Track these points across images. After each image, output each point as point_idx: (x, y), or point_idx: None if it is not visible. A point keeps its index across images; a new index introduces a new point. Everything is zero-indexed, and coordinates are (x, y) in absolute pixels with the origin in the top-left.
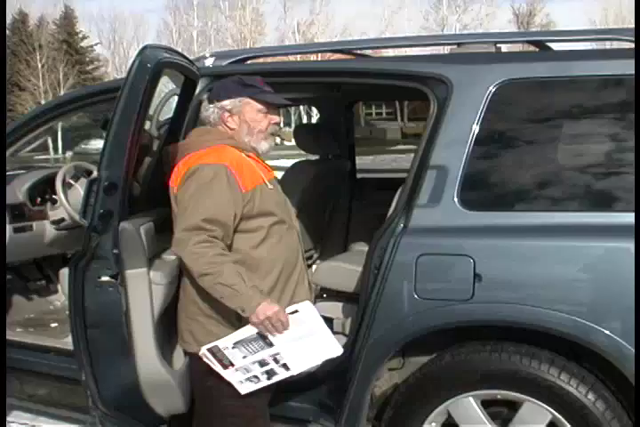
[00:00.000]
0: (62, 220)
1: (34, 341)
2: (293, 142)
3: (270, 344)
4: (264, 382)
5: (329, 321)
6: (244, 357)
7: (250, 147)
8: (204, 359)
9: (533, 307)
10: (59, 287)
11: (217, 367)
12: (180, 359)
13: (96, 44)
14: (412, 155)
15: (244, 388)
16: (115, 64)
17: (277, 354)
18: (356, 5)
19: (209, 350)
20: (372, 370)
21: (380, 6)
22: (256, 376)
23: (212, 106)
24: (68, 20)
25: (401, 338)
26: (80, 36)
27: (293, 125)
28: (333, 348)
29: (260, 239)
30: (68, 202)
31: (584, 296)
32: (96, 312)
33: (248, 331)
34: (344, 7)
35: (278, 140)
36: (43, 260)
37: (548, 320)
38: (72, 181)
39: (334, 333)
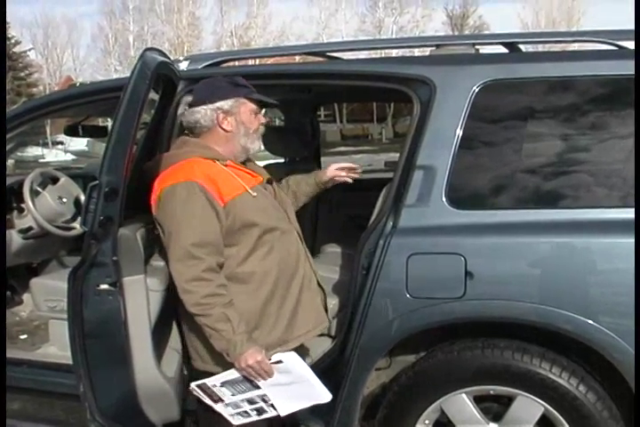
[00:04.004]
0: (30, 228)
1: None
2: None
3: (257, 387)
4: (254, 418)
5: None
6: (233, 395)
7: (231, 153)
8: (194, 393)
9: (524, 303)
10: (24, 298)
11: (207, 400)
12: (172, 367)
13: (30, 50)
14: (354, 156)
15: (237, 420)
16: (49, 70)
17: (265, 395)
18: (292, 8)
19: (198, 386)
20: (364, 370)
21: (316, 9)
22: (246, 412)
23: (202, 108)
24: None
25: (394, 337)
26: (13, 41)
27: None
28: (322, 395)
29: (246, 253)
30: (37, 210)
31: (576, 292)
32: (95, 322)
33: (234, 373)
34: (281, 10)
35: None
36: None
37: (539, 315)
38: (39, 189)
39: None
